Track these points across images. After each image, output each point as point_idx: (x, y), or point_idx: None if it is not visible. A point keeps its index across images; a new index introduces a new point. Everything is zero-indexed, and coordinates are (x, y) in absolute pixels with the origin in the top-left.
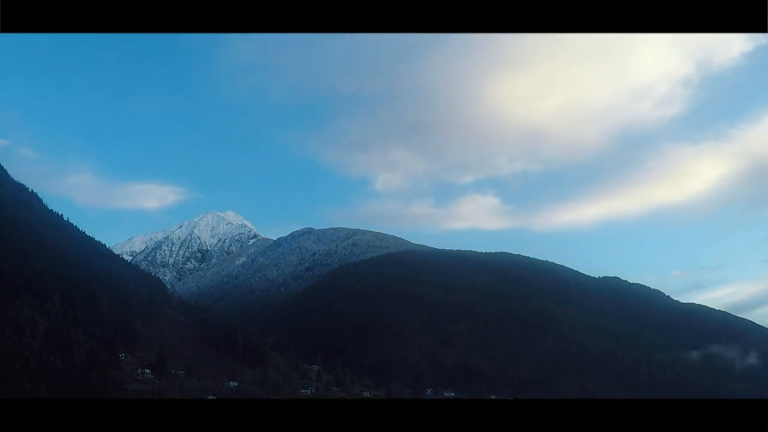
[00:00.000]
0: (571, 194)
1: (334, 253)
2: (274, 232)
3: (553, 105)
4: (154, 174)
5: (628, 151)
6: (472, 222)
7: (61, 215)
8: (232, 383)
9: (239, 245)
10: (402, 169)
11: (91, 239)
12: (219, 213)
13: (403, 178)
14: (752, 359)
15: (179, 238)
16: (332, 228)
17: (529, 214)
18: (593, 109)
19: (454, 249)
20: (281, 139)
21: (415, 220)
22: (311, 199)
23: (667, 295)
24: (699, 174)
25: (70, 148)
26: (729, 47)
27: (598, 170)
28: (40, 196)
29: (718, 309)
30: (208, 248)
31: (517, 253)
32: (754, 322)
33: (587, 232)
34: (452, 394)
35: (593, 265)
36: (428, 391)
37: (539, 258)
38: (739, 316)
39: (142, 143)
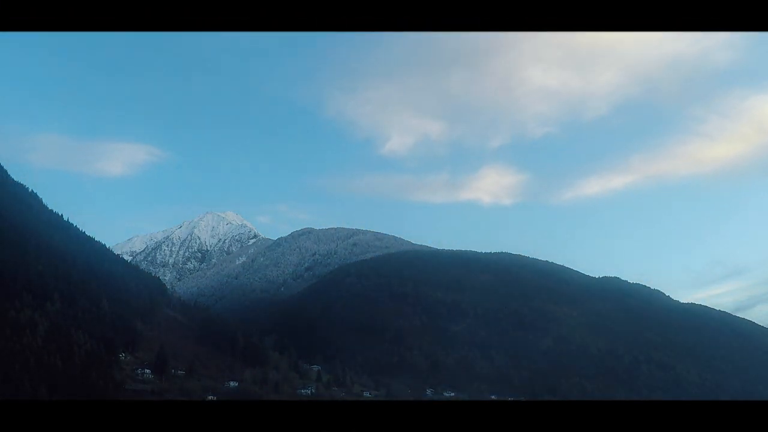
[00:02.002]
0: (602, 162)
1: (334, 253)
2: (274, 232)
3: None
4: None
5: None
6: (491, 195)
7: (61, 215)
8: (232, 383)
9: (239, 245)
10: (414, 132)
11: (91, 239)
12: (219, 213)
13: (415, 143)
14: (752, 359)
15: (179, 238)
16: (332, 228)
17: (553, 186)
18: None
19: (454, 249)
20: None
21: (426, 193)
22: (305, 168)
23: (667, 295)
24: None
25: None
26: None
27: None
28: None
29: (718, 309)
30: (208, 248)
31: (518, 253)
32: (754, 322)
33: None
34: (452, 394)
35: (593, 265)
36: (428, 391)
37: (539, 258)
38: (739, 316)
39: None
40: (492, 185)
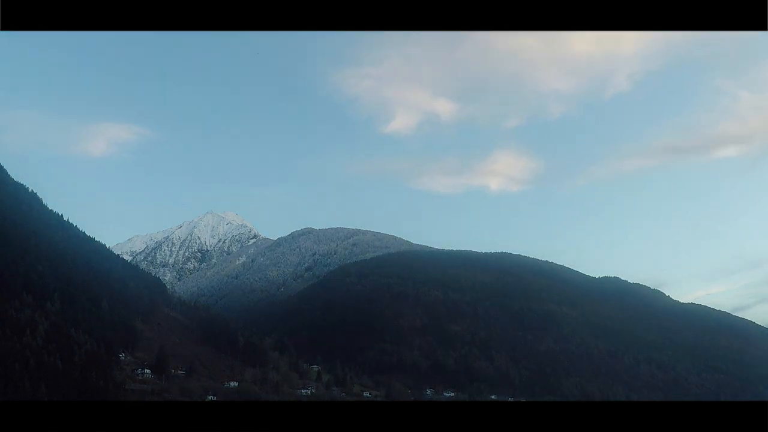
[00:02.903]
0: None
1: (334, 253)
2: (274, 232)
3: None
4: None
5: None
6: (501, 181)
7: (61, 215)
8: (232, 383)
9: (239, 245)
10: (420, 111)
11: (91, 239)
12: (219, 213)
13: (420, 123)
14: (752, 359)
15: (179, 238)
16: (332, 228)
17: (565, 171)
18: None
19: (454, 249)
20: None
21: (430, 178)
22: (304, 150)
23: (667, 295)
24: None
25: None
26: None
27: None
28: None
29: (718, 309)
30: (208, 248)
31: (518, 253)
32: (754, 322)
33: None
34: (452, 394)
35: (593, 265)
36: (428, 392)
37: (539, 258)
38: (739, 316)
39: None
40: (503, 169)
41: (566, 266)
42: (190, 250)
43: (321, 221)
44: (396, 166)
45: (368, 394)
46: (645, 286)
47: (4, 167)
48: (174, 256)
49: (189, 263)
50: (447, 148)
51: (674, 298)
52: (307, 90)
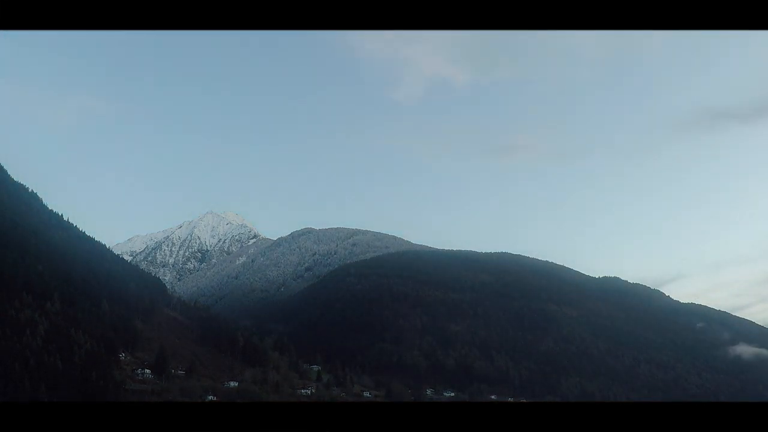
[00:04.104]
0: None
1: (334, 253)
2: (274, 232)
3: None
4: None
5: None
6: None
7: (61, 215)
8: (232, 383)
9: (239, 245)
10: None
11: (91, 239)
12: (219, 213)
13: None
14: (752, 359)
15: (179, 238)
16: (332, 228)
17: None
18: None
19: (454, 249)
20: None
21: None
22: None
23: (667, 295)
24: None
25: None
26: None
27: None
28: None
29: (718, 309)
30: (208, 248)
31: (518, 253)
32: (753, 322)
33: None
34: (452, 394)
35: (593, 265)
36: (428, 392)
37: (539, 258)
38: (739, 315)
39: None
40: (521, 143)
41: (566, 266)
42: (190, 250)
43: (321, 221)
44: (404, 139)
45: (368, 394)
46: (645, 286)
47: (4, 167)
48: (174, 256)
49: (189, 263)
50: (460, 118)
51: (674, 298)
52: (307, 88)
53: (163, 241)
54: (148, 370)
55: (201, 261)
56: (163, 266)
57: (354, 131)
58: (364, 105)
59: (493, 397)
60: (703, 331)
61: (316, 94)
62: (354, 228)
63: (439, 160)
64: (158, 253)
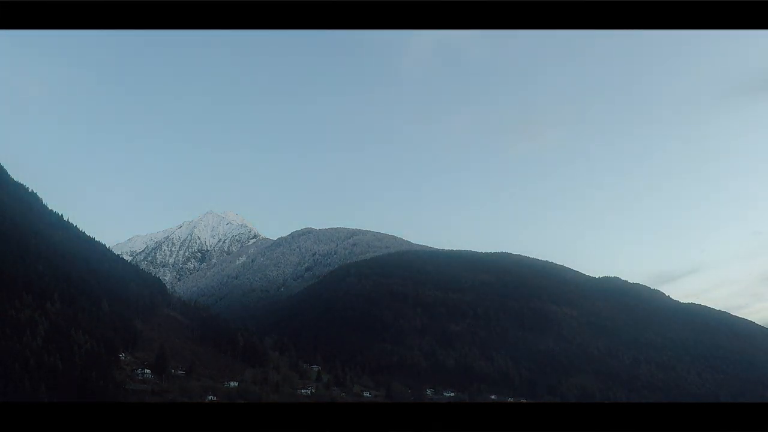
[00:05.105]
0: None
1: (334, 253)
2: (274, 232)
3: None
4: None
5: None
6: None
7: (61, 215)
8: (232, 383)
9: (239, 245)
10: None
11: (91, 239)
12: (219, 213)
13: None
14: (752, 359)
15: (179, 238)
16: (332, 228)
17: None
18: None
19: (454, 249)
20: None
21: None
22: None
23: (667, 295)
24: None
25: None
26: None
27: None
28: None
29: (718, 309)
30: (208, 248)
31: (518, 253)
32: (753, 322)
33: None
34: (452, 394)
35: (593, 265)
36: (428, 391)
37: (539, 258)
38: (739, 315)
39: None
40: (533, 126)
41: (566, 266)
42: (190, 250)
43: (321, 221)
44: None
45: (368, 394)
46: (645, 286)
47: (4, 167)
48: (174, 256)
49: (189, 263)
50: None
51: (674, 298)
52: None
53: (163, 241)
54: (148, 370)
55: (201, 261)
56: (163, 266)
57: (354, 131)
58: (365, 105)
59: (493, 397)
60: (703, 331)
61: (316, 95)
62: (354, 228)
63: (439, 160)
64: (158, 253)
